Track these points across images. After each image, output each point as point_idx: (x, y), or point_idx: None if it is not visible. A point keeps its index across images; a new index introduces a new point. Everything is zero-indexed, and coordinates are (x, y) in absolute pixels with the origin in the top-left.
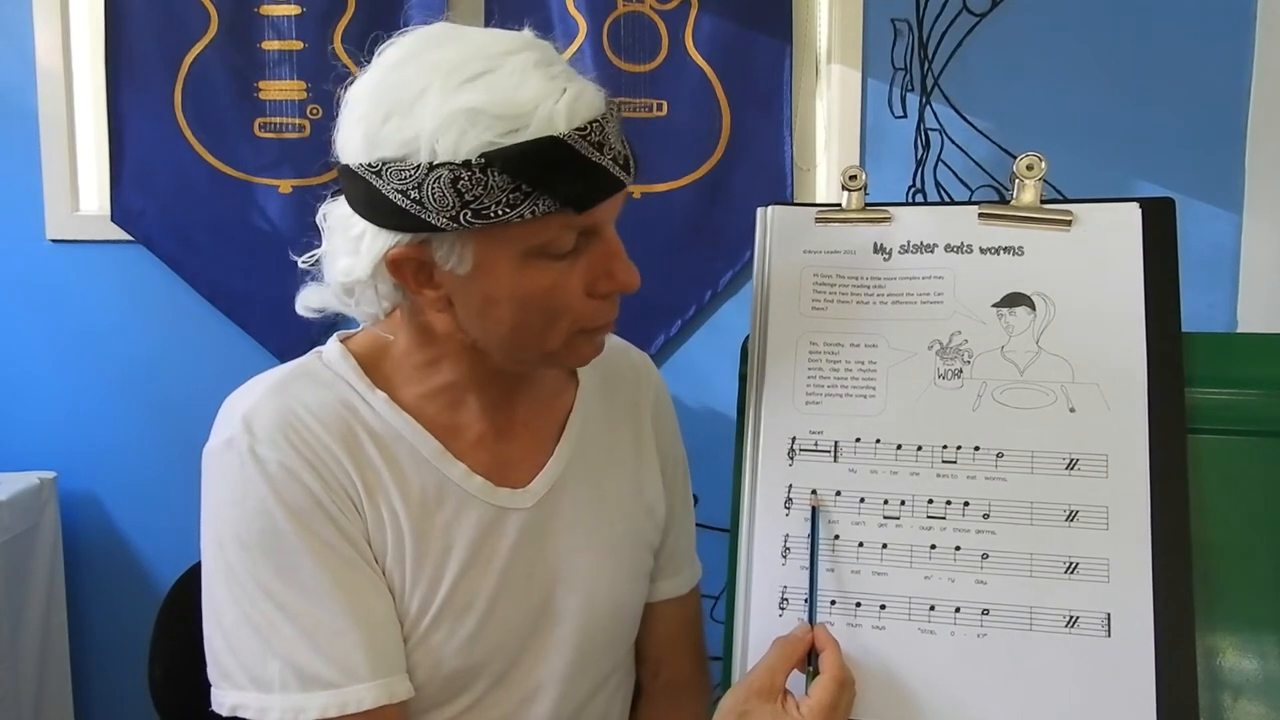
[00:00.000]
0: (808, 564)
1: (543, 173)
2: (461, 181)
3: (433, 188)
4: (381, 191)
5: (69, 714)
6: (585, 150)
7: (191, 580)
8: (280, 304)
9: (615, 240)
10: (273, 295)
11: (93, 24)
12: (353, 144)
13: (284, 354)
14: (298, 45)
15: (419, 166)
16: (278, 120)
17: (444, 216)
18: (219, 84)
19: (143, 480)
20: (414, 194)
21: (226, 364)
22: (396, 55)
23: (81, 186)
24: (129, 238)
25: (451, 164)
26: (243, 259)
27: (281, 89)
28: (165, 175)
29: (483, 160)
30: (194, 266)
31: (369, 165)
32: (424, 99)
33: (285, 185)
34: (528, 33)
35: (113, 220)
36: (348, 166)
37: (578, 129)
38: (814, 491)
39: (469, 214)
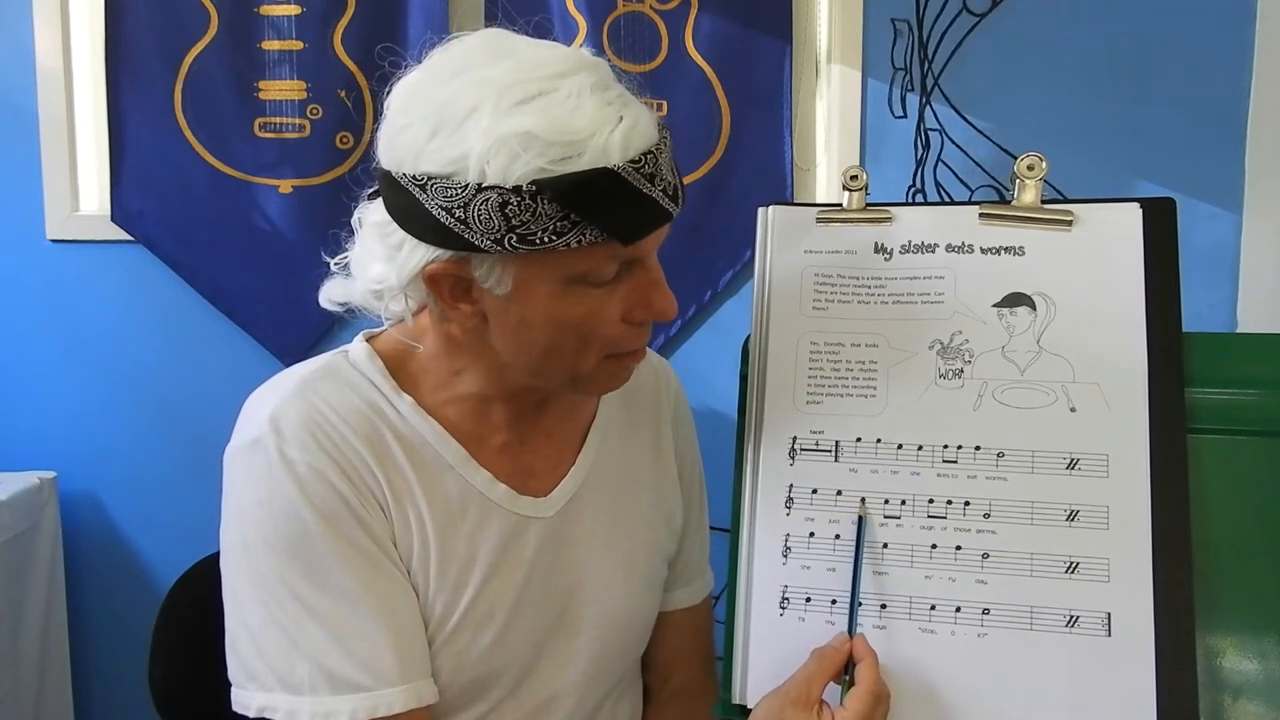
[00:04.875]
0: (848, 574)
1: (593, 203)
2: (510, 206)
3: (479, 209)
4: (424, 206)
5: (69, 714)
6: (637, 182)
7: (192, 580)
8: (281, 304)
9: (656, 269)
10: (273, 295)
11: (93, 24)
12: (396, 153)
13: (284, 354)
14: (298, 45)
15: (466, 186)
16: (278, 120)
17: (488, 239)
18: (219, 84)
19: (143, 480)
20: (459, 213)
21: (227, 364)
22: (446, 67)
23: (81, 186)
24: (129, 238)
25: (501, 188)
26: (243, 259)
27: (281, 89)
28: (165, 175)
29: (533, 187)
30: (194, 266)
31: (413, 178)
32: (475, 118)
33: (285, 185)
34: (584, 51)
35: (113, 220)
36: (389, 174)
37: (631, 161)
38: (862, 500)
39: (514, 238)
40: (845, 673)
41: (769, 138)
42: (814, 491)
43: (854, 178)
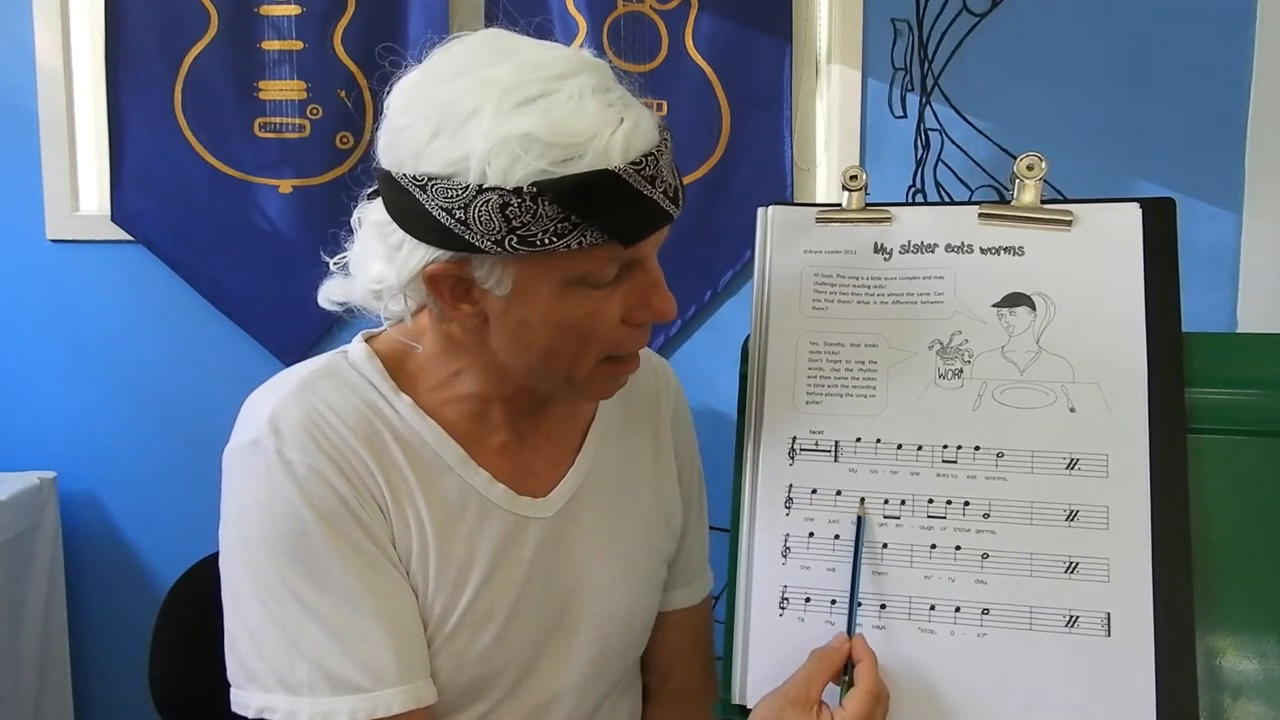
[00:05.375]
0: (848, 574)
1: (594, 205)
2: (510, 208)
3: (479, 210)
4: (425, 206)
5: (69, 714)
6: (638, 184)
7: (192, 580)
8: (281, 304)
9: (656, 270)
10: (273, 295)
11: (93, 24)
12: (396, 153)
13: (284, 354)
14: (298, 45)
15: (467, 188)
16: (278, 120)
17: (489, 240)
18: (219, 84)
19: (143, 480)
20: (459, 214)
21: (227, 364)
22: (448, 67)
23: (81, 186)
24: (129, 238)
25: (501, 189)
26: (243, 259)
27: (281, 89)
28: (165, 175)
29: (534, 189)
30: (194, 266)
31: (413, 178)
32: (476, 119)
33: (285, 185)
34: (585, 52)
35: (113, 220)
36: (389, 174)
37: (632, 163)
38: (862, 500)
39: (514, 240)
40: (844, 673)
41: (769, 138)
42: (813, 491)
43: (854, 178)
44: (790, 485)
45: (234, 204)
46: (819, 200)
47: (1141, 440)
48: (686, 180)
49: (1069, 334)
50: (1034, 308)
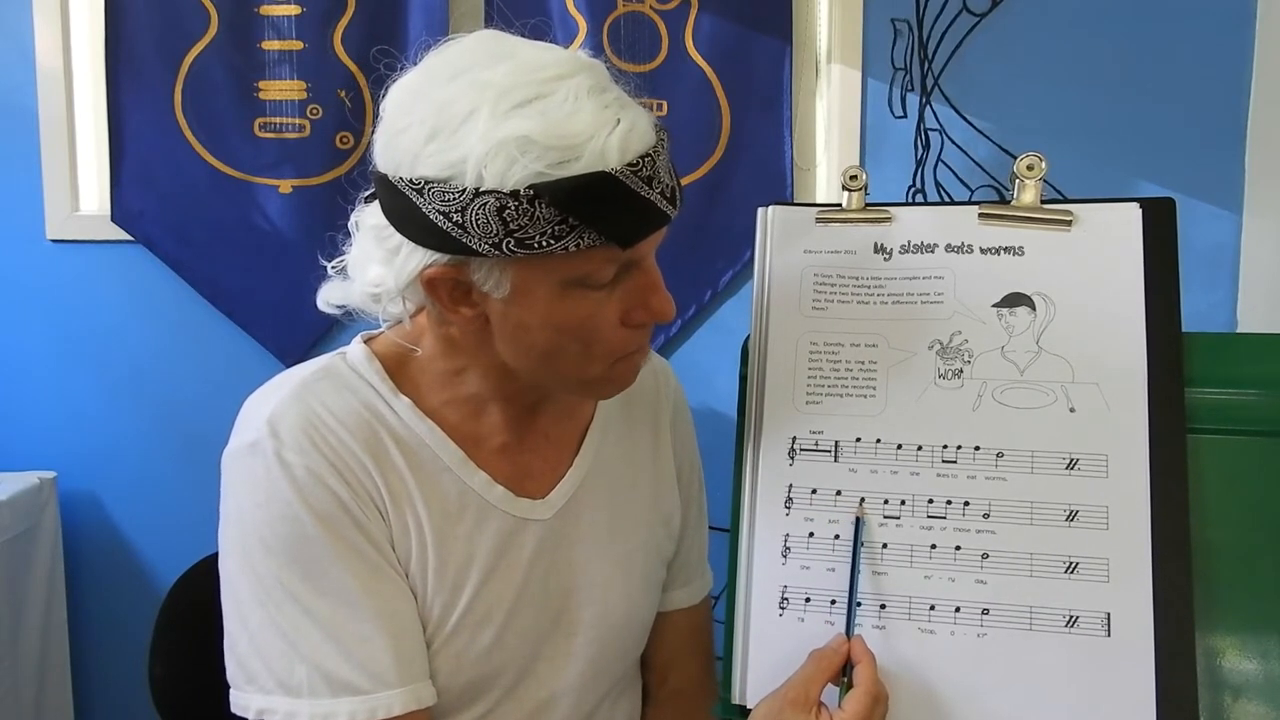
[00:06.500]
0: (847, 574)
1: (591, 207)
2: (507, 211)
3: (477, 213)
4: (422, 210)
5: (69, 714)
6: (635, 185)
7: (192, 580)
8: (280, 304)
9: (654, 271)
10: (273, 295)
11: (93, 24)
12: (393, 156)
13: (284, 354)
14: (298, 45)
15: (464, 191)
16: (278, 120)
17: (486, 243)
18: (219, 84)
19: (143, 480)
20: (456, 217)
21: (227, 364)
22: (444, 70)
23: (81, 186)
24: (129, 238)
25: (498, 192)
26: (243, 259)
27: (281, 89)
28: (165, 175)
29: (531, 191)
30: (194, 266)
31: (410, 182)
32: (472, 121)
33: (285, 185)
34: (581, 53)
35: (113, 220)
36: (386, 178)
37: (629, 164)
38: (861, 500)
39: (512, 243)
40: (843, 674)
41: (769, 138)
42: (813, 491)
43: (854, 178)
44: (790, 485)
45: (234, 204)
46: (819, 200)
47: (1141, 440)
48: (686, 180)
49: (1069, 334)
50: (1034, 308)
